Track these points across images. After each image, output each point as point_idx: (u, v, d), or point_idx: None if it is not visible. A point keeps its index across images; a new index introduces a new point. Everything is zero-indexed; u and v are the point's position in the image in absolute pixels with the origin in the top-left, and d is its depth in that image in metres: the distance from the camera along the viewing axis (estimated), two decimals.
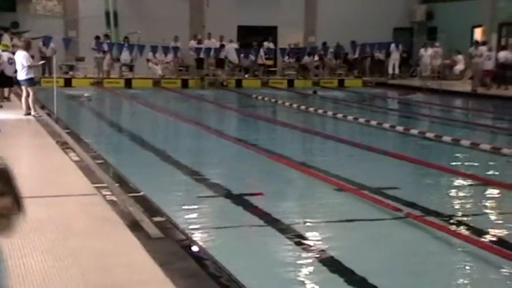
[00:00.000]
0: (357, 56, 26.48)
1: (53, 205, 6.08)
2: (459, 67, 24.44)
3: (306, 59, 26.13)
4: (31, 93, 12.78)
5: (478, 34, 24.87)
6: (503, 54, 21.87)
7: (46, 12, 24.84)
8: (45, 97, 15.66)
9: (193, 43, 24.63)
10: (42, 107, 14.32)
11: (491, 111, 17.97)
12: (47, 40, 22.18)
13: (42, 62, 17.64)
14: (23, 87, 12.92)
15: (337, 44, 25.90)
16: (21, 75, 12.82)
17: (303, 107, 17.15)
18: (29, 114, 12.75)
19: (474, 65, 21.87)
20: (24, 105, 12.89)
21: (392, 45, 26.02)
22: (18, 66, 12.84)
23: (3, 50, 14.75)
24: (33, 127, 11.64)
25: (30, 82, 12.85)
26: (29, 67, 12.75)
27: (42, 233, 5.11)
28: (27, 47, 13.17)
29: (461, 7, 25.80)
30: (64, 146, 9.37)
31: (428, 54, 24.60)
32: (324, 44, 25.86)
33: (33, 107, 12.88)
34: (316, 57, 26.06)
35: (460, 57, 24.34)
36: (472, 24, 25.22)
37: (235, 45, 24.98)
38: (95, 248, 4.79)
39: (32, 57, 14.43)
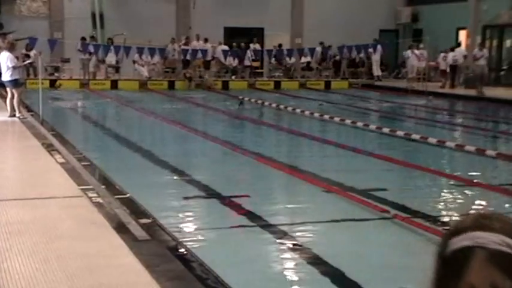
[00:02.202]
0: (342, 57, 26.62)
1: (38, 207, 6.03)
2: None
3: (292, 60, 26.21)
4: (16, 95, 12.68)
5: (462, 36, 25.09)
6: (452, 55, 23.19)
7: (31, 13, 24.67)
8: (29, 99, 15.56)
9: (175, 46, 24.57)
10: (28, 109, 14.22)
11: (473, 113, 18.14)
12: (32, 41, 22.01)
13: (28, 61, 17.47)
14: (8, 89, 12.82)
15: (322, 45, 25.98)
16: (6, 77, 12.72)
17: (289, 109, 17.19)
18: (14, 116, 12.64)
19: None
20: (8, 107, 12.79)
21: (378, 47, 26.14)
22: (3, 68, 12.74)
23: None
24: (18, 129, 11.55)
25: (15, 83, 12.75)
26: (14, 68, 12.65)
27: (27, 236, 5.06)
28: (10, 48, 13.07)
29: (446, 9, 26.00)
30: (49, 148, 9.31)
31: (414, 56, 24.79)
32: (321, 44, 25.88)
33: (18, 108, 12.78)
34: (304, 59, 26.11)
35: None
36: (456, 26, 25.43)
37: (225, 47, 24.96)
38: (81, 251, 4.75)
39: (17, 58, 14.33)
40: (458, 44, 24.56)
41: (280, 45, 25.94)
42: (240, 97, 18.85)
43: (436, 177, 9.05)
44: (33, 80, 21.88)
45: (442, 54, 23.90)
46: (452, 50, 23.72)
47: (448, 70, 23.57)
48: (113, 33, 23.85)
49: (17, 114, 12.66)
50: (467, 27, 23.60)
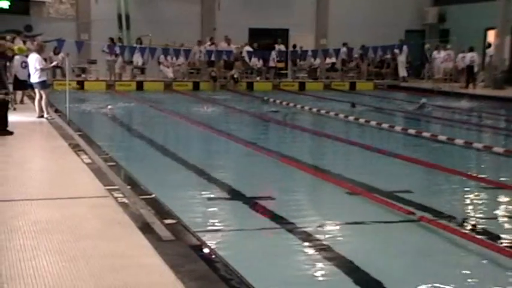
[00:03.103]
0: (367, 58, 26.46)
1: (65, 207, 6.10)
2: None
3: (317, 61, 26.13)
4: (44, 96, 12.86)
5: (491, 36, 24.74)
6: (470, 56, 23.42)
7: (59, 15, 25.02)
8: (57, 99, 15.77)
9: (201, 48, 24.69)
10: (56, 110, 14.41)
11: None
12: (59, 43, 22.32)
13: (55, 63, 17.72)
14: (36, 90, 13.01)
15: (346, 46, 25.84)
16: (34, 78, 12.91)
17: (314, 110, 17.13)
18: (42, 116, 12.83)
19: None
20: (37, 108, 12.98)
21: (404, 47, 25.93)
22: (31, 69, 12.93)
23: (17, 54, 14.84)
24: (46, 129, 11.71)
25: (43, 85, 12.94)
26: (42, 70, 12.83)
27: (54, 235, 5.13)
28: (39, 50, 13.27)
29: (473, 9, 25.65)
30: (76, 148, 9.42)
31: (441, 57, 24.54)
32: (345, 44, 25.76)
33: (46, 109, 12.96)
34: (329, 60, 26.03)
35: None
36: (484, 27, 25.06)
37: (250, 48, 24.98)
38: (106, 250, 4.80)
39: (45, 60, 14.52)
40: (489, 45, 24.24)
41: (294, 46, 25.89)
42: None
43: (463, 179, 8.93)
44: (61, 81, 22.21)
45: (461, 55, 24.03)
46: (471, 50, 23.77)
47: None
48: (139, 34, 24.06)
49: (45, 115, 12.84)
50: (496, 28, 23.24)
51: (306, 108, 17.65)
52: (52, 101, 14.76)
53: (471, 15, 25.55)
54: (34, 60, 12.81)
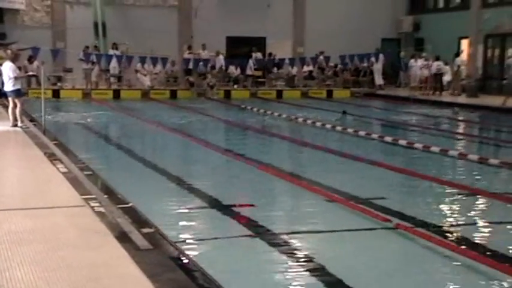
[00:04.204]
0: (345, 67, 26.72)
1: (41, 217, 6.02)
2: (446, 78, 24.70)
3: (294, 69, 26.28)
4: (18, 105, 12.72)
5: (464, 45, 25.17)
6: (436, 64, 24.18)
7: (34, 23, 24.78)
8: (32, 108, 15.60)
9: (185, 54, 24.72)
10: (31, 119, 14.25)
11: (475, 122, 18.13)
12: (34, 51, 22.11)
13: (31, 73, 17.53)
14: (10, 99, 12.87)
15: (322, 54, 26.03)
16: (8, 87, 12.77)
17: (292, 117, 17.20)
18: (16, 125, 12.67)
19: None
20: (11, 117, 12.82)
21: (380, 56, 26.25)
22: (5, 78, 12.79)
23: None
24: (21, 138, 11.56)
25: (17, 93, 12.79)
26: (15, 78, 12.69)
27: (29, 245, 5.05)
28: (14, 59, 13.12)
29: (447, 18, 26.07)
30: (52, 157, 9.31)
31: (418, 65, 24.90)
32: (322, 53, 25.95)
33: (21, 118, 12.81)
34: (306, 68, 26.20)
35: (447, 68, 24.63)
36: (458, 36, 25.47)
37: (221, 57, 25.05)
38: (83, 260, 4.74)
39: (19, 68, 14.36)
40: (457, 54, 24.71)
41: (270, 54, 26.02)
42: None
43: (439, 186, 9.03)
44: (36, 89, 21.97)
45: (426, 63, 24.72)
46: (437, 59, 24.37)
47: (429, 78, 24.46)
48: (116, 42, 23.96)
49: (19, 124, 12.69)
50: (469, 36, 23.65)
51: (284, 116, 17.71)
52: (27, 109, 14.60)
53: (445, 24, 25.96)
54: (8, 69, 12.68)
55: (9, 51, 14.81)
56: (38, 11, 24.91)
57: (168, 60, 24.30)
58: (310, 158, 12.05)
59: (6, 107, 13.91)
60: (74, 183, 7.46)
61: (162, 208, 7.41)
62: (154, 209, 7.03)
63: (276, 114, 18.20)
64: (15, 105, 12.74)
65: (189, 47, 24.92)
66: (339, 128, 14.92)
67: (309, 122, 16.26)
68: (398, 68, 27.20)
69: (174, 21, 26.07)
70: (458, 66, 24.20)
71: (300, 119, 16.80)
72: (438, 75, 24.28)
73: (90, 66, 23.45)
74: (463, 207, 8.00)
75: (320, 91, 25.56)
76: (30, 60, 22.15)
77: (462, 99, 22.62)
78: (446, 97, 23.33)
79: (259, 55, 26.01)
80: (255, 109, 19.43)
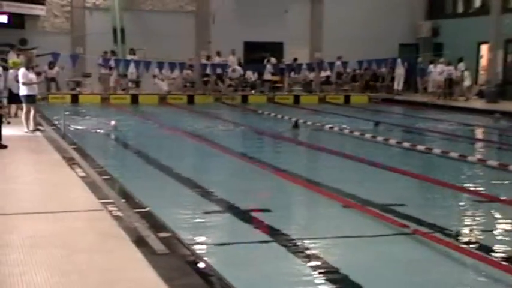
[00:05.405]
0: (362, 72, 26.62)
1: (59, 221, 6.07)
2: (466, 83, 24.48)
3: (312, 74, 26.24)
4: (32, 110, 12.83)
5: (484, 50, 24.94)
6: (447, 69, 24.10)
7: (54, 29, 25.06)
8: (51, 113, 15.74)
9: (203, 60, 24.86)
10: (52, 124, 14.38)
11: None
12: (54, 56, 22.35)
13: (42, 79, 17.61)
14: (23, 104, 13.03)
15: (340, 59, 25.95)
16: (21, 92, 12.96)
17: (309, 123, 17.16)
18: (35, 130, 12.81)
19: None
20: (25, 122, 12.95)
21: (398, 61, 26.13)
22: (20, 84, 12.98)
23: (11, 68, 14.84)
24: (40, 143, 11.68)
25: (27, 99, 12.92)
26: (24, 84, 12.81)
27: (47, 249, 5.09)
28: (27, 62, 13.29)
29: (466, 23, 25.84)
30: (70, 161, 9.39)
31: (437, 71, 24.70)
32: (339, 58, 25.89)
33: (34, 123, 12.93)
34: (324, 73, 26.14)
35: (466, 73, 24.41)
36: (478, 41, 25.24)
37: (235, 60, 25.10)
38: (100, 264, 4.77)
39: (39, 73, 14.45)
40: (461, 59, 24.57)
41: (295, 59, 25.96)
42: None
43: (458, 193, 8.94)
44: (56, 94, 22.20)
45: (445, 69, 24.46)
46: (449, 64, 24.21)
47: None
48: (134, 48, 24.13)
49: (31, 128, 12.82)
50: (489, 41, 23.42)
51: (302, 121, 17.65)
52: (47, 114, 14.75)
53: (464, 29, 25.73)
54: (19, 74, 12.89)
55: (22, 57, 14.99)
56: (58, 17, 25.19)
57: (185, 66, 24.40)
58: (328, 164, 11.99)
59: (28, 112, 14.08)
60: (92, 188, 7.51)
61: (179, 212, 7.42)
62: (171, 214, 7.05)
63: (293, 119, 18.12)
64: (28, 111, 12.87)
65: (208, 57, 24.98)
66: (356, 133, 14.82)
67: (326, 127, 16.17)
68: (416, 74, 27.00)
69: (191, 26, 26.19)
70: (462, 72, 24.10)
71: (318, 124, 16.73)
72: (448, 80, 24.17)
73: (108, 72, 23.64)
74: (482, 214, 7.90)
75: (337, 96, 25.48)
76: (50, 66, 22.40)
77: (481, 104, 22.39)
78: (462, 102, 23.12)
79: (273, 60, 25.94)
80: (272, 114, 19.38)
